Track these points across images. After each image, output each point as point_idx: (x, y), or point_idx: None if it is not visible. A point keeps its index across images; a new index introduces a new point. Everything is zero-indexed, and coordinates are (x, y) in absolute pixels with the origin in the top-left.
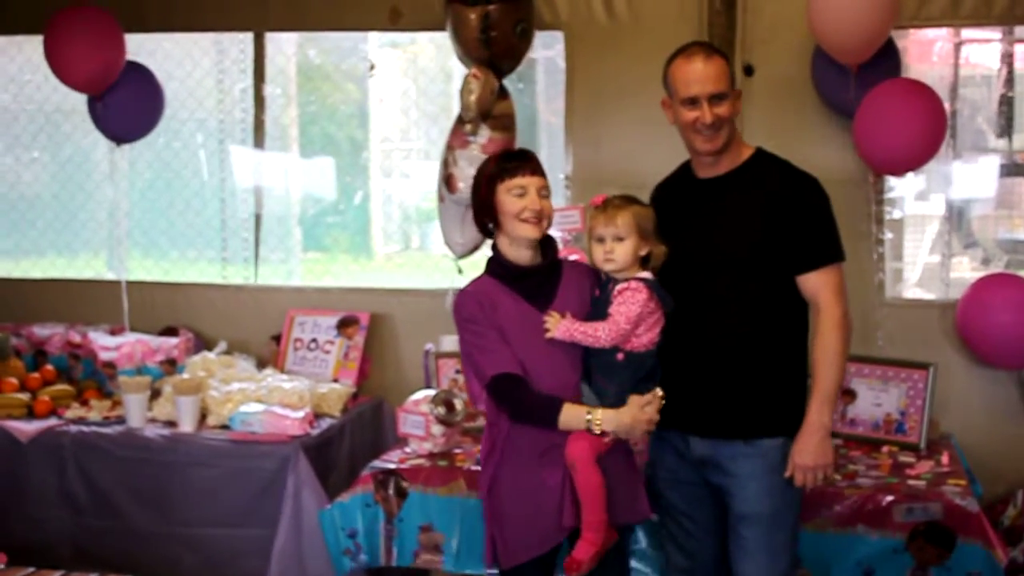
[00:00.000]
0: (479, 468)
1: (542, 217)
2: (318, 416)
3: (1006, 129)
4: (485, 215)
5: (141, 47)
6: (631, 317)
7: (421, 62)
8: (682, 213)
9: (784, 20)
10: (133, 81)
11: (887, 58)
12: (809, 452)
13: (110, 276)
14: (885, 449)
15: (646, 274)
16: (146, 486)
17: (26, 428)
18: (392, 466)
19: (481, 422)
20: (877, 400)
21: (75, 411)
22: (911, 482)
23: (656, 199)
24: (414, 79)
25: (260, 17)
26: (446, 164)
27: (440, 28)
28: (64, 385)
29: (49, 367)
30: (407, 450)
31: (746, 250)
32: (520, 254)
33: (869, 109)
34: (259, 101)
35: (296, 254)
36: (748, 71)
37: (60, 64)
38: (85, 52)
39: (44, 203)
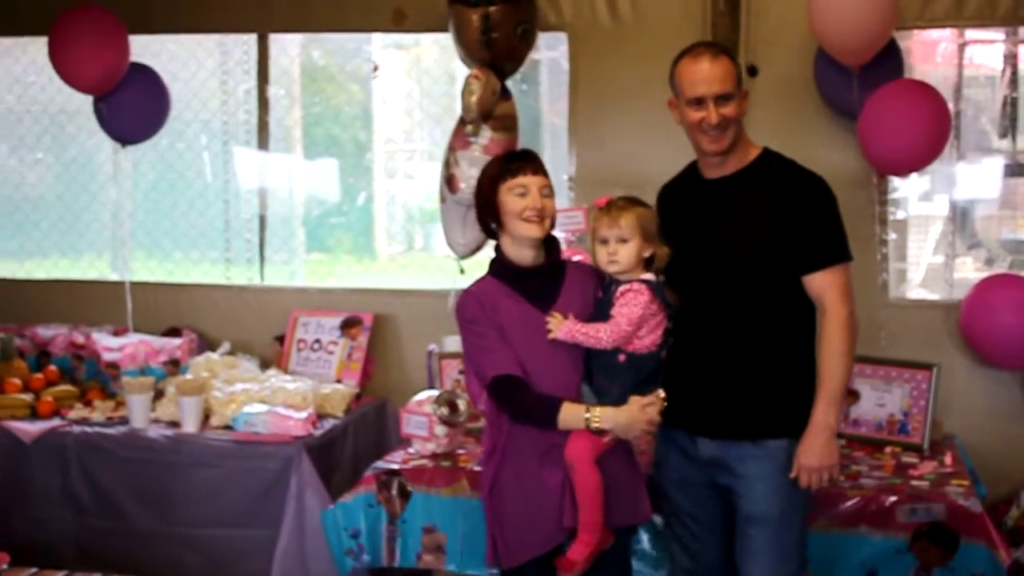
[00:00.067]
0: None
1: (544, 216)
2: (321, 417)
3: (1010, 130)
4: (488, 215)
5: (145, 48)
6: (633, 319)
7: (425, 63)
8: (689, 213)
9: (788, 21)
10: (138, 82)
11: (889, 59)
12: (814, 452)
13: (114, 277)
14: (888, 450)
15: (649, 276)
16: (149, 487)
17: (29, 429)
18: (395, 467)
19: (484, 423)
20: (880, 400)
21: (78, 412)
22: (914, 483)
23: (663, 199)
24: (418, 80)
25: (264, 18)
26: (448, 165)
27: (444, 29)
28: (67, 386)
29: (52, 368)
30: (410, 451)
31: (753, 250)
32: (523, 254)
33: (873, 110)
34: (263, 102)
35: (300, 255)
36: (752, 72)
37: (64, 65)
38: (89, 53)
39: (48, 204)
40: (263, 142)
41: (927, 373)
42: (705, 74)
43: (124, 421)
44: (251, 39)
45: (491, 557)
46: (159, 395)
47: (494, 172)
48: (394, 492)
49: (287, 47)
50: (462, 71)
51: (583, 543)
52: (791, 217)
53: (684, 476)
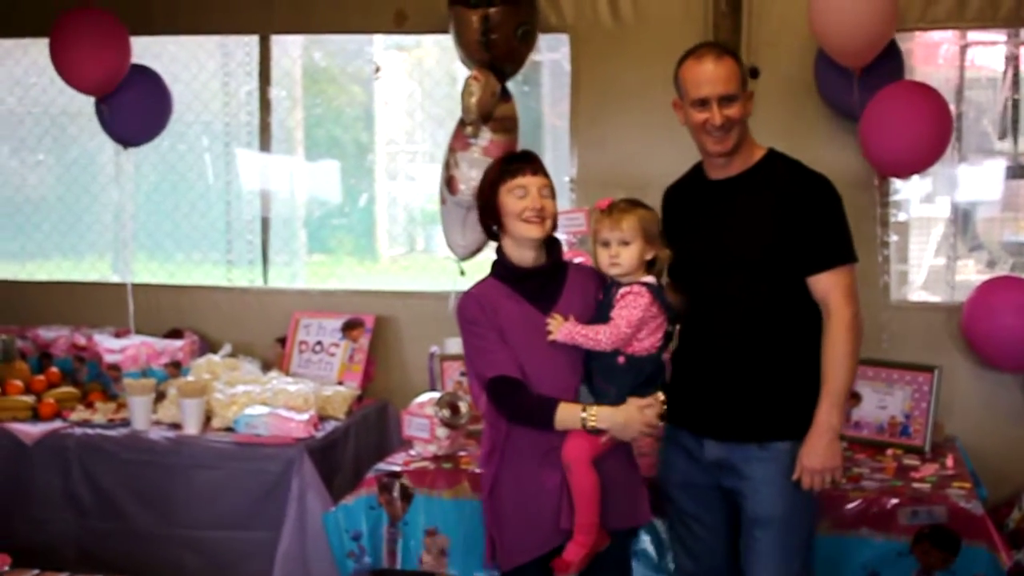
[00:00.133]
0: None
1: (544, 216)
2: (323, 419)
3: (1011, 131)
4: (489, 217)
5: (147, 50)
6: (632, 321)
7: (426, 65)
8: (694, 215)
9: (790, 23)
10: (140, 84)
11: (890, 60)
12: (817, 454)
13: (115, 279)
14: (890, 452)
15: (650, 279)
16: (150, 488)
17: (31, 430)
18: (397, 469)
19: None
20: (882, 403)
21: (80, 413)
22: (916, 485)
23: (668, 200)
24: (419, 82)
25: (265, 20)
26: (447, 166)
27: (445, 31)
28: (69, 387)
29: (54, 369)
30: (412, 453)
31: (758, 251)
32: (524, 255)
33: (875, 111)
34: (264, 104)
35: (301, 257)
36: (754, 73)
37: (65, 67)
38: (90, 54)
39: (49, 205)
40: (265, 144)
41: (928, 375)
42: (709, 75)
43: (125, 423)
44: (253, 40)
45: (489, 558)
46: (160, 397)
47: (494, 174)
48: (396, 494)
49: (289, 48)
50: (463, 73)
51: (578, 544)
52: (796, 218)
53: (689, 479)
